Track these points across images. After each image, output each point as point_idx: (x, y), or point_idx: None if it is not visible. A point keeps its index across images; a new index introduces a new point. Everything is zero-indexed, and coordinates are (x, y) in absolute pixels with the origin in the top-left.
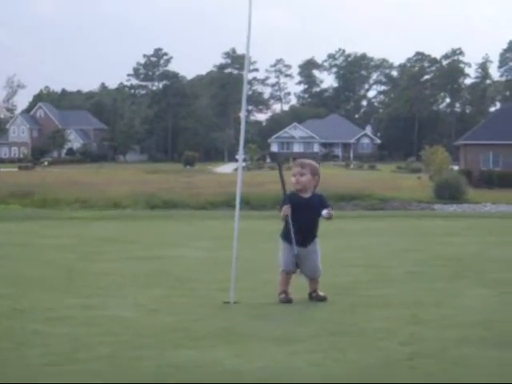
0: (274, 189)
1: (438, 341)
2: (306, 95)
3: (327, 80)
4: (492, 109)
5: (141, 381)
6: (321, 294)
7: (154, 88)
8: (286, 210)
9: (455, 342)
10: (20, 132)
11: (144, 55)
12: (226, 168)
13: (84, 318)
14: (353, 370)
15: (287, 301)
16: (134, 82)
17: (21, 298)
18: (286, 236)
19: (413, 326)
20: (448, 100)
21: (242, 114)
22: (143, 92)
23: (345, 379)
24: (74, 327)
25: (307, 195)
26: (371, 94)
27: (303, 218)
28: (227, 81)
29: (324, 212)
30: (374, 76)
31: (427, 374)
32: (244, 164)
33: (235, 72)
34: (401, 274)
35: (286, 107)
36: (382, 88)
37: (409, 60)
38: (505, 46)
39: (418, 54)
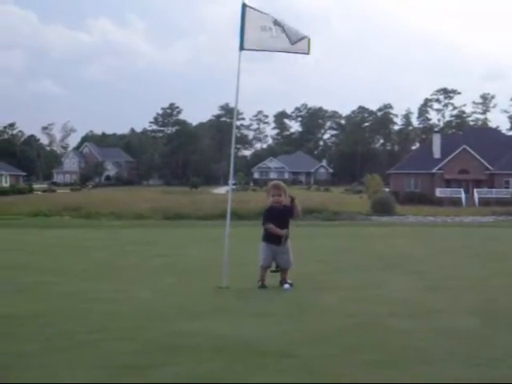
0: (255, 205)
1: (375, 314)
2: (279, 137)
3: (294, 126)
4: (413, 147)
5: (156, 344)
6: (289, 281)
7: (169, 132)
8: (273, 228)
9: (387, 315)
10: (71, 164)
11: (162, 108)
12: (221, 190)
13: (114, 299)
14: (311, 336)
15: (263, 287)
16: (155, 127)
17: (69, 284)
18: (265, 238)
19: (356, 304)
20: (381, 141)
21: (232, 151)
22: (161, 135)
23: (306, 343)
24: (106, 305)
25: (281, 207)
26: (326, 136)
27: (279, 221)
28: (222, 127)
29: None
30: (328, 123)
31: (366, 339)
32: (234, 187)
33: (228, 120)
34: (347, 266)
35: (264, 146)
36: (334, 132)
37: (353, 112)
38: (422, 102)
39: (359, 107)
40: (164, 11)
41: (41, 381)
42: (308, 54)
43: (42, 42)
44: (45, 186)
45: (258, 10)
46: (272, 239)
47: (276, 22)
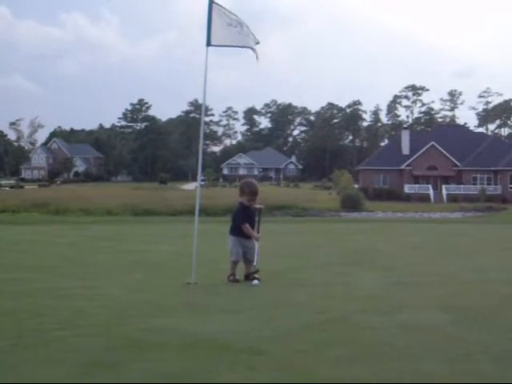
0: (224, 201)
1: (344, 310)
2: (249, 133)
3: (264, 122)
4: (382, 144)
5: (126, 340)
6: (256, 276)
7: (138, 127)
8: (248, 230)
9: (357, 311)
10: (39, 159)
11: (130, 103)
12: (190, 186)
13: (84, 295)
14: (280, 332)
15: (235, 281)
16: (123, 123)
17: (38, 280)
18: (234, 231)
19: (325, 300)
20: (350, 137)
21: (200, 147)
22: (130, 130)
23: (275, 339)
24: (76, 301)
25: (253, 207)
26: (295, 132)
27: (253, 221)
28: (191, 123)
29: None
30: (298, 120)
31: (335, 335)
32: (203, 183)
33: (197, 116)
34: (317, 262)
35: (234, 142)
36: (303, 128)
37: (322, 108)
38: (390, 99)
39: (329, 104)
40: (135, 6)
41: (11, 380)
42: (257, 60)
43: (13, 36)
44: (12, 181)
45: (225, 8)
46: (241, 232)
47: (239, 22)
